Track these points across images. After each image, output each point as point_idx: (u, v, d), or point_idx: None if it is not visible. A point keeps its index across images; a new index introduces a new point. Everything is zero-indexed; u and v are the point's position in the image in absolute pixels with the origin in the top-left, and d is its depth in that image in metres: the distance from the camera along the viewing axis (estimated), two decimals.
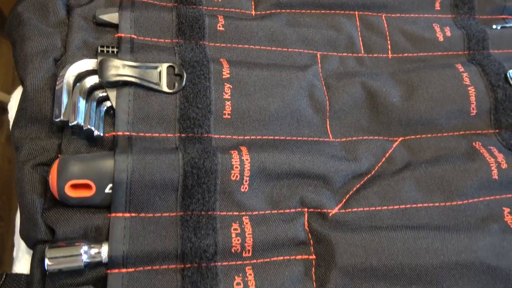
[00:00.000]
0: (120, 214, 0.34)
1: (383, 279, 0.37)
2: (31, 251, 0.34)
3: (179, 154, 0.36)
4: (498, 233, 0.39)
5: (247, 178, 0.38)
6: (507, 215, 0.41)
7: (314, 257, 0.38)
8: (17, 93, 0.44)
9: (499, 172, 0.41)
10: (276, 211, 0.39)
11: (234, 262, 0.36)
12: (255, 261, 0.36)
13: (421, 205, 0.41)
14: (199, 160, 0.36)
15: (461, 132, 0.45)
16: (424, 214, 0.40)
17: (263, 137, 0.41)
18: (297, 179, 0.39)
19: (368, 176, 0.42)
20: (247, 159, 0.38)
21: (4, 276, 0.35)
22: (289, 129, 0.42)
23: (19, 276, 0.35)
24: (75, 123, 0.35)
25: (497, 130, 0.45)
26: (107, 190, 0.34)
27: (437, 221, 0.40)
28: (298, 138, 0.42)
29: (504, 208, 0.42)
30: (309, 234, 0.38)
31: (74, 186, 0.34)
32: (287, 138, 0.42)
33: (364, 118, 0.45)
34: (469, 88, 0.46)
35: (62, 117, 0.35)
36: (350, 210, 0.39)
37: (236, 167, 0.37)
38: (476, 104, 0.45)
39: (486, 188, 0.41)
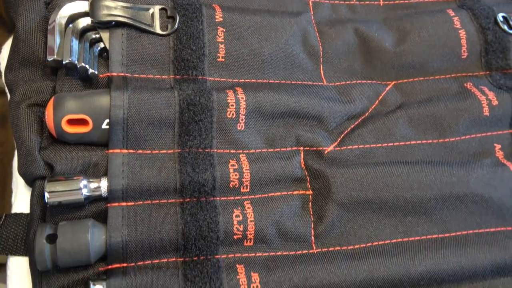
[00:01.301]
0: (118, 150, 0.34)
1: (379, 212, 0.38)
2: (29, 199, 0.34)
3: (174, 91, 0.36)
4: (489, 167, 0.40)
5: (243, 117, 0.38)
6: (498, 151, 0.42)
7: (311, 192, 0.38)
8: (8, 45, 0.43)
9: (490, 109, 0.42)
10: (272, 150, 0.39)
11: (232, 197, 0.36)
12: (253, 196, 0.37)
13: (414, 142, 0.41)
14: (194, 97, 0.36)
15: (452, 75, 0.46)
16: (417, 151, 0.41)
17: (258, 81, 0.41)
18: (292, 119, 0.40)
19: (362, 117, 0.42)
20: (242, 98, 0.38)
21: (3, 217, 0.35)
22: (283, 73, 0.42)
23: (19, 215, 0.35)
24: (68, 61, 0.35)
25: (487, 72, 0.46)
26: (104, 125, 0.34)
27: (431, 157, 0.41)
28: (293, 82, 0.42)
29: (495, 145, 0.42)
30: (306, 171, 0.39)
31: (71, 122, 0.34)
32: (282, 81, 0.42)
33: (357, 63, 0.45)
34: (460, 32, 0.46)
35: (55, 56, 0.35)
36: (345, 147, 0.40)
37: (232, 105, 0.37)
38: (467, 47, 0.46)
39: (478, 125, 0.42)
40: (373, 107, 0.43)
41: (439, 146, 0.41)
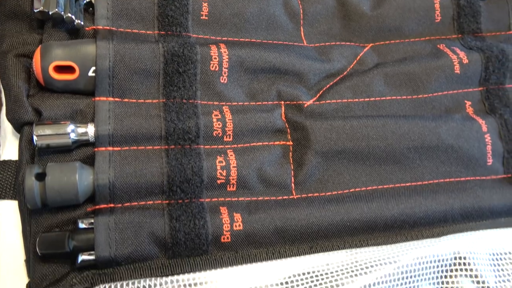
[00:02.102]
0: (104, 98, 0.36)
1: (355, 161, 0.40)
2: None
3: (159, 44, 0.38)
4: (459, 121, 0.42)
5: (226, 70, 0.39)
6: (468, 107, 0.45)
7: (291, 143, 0.40)
8: None
9: (461, 67, 0.44)
10: (254, 103, 0.41)
11: (216, 146, 0.38)
12: (235, 145, 0.38)
13: (389, 98, 0.43)
14: (178, 49, 0.38)
15: (427, 38, 0.48)
16: (392, 106, 0.43)
17: (240, 39, 0.43)
18: (273, 74, 0.41)
19: (341, 76, 0.44)
20: (225, 52, 0.39)
21: None
22: (265, 33, 0.44)
23: (7, 162, 0.36)
24: (55, 11, 0.36)
25: (459, 35, 0.48)
26: (90, 73, 0.35)
27: (404, 111, 0.43)
28: (274, 42, 0.44)
29: (466, 101, 0.45)
30: (286, 124, 0.40)
31: (58, 69, 0.35)
32: (263, 41, 0.43)
33: (336, 26, 0.47)
34: None
35: (42, 7, 0.36)
36: (323, 102, 0.42)
37: (215, 58, 0.39)
38: (440, 11, 0.48)
39: (450, 82, 0.44)
40: (351, 66, 0.45)
41: (413, 102, 0.44)
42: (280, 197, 0.38)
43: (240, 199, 0.37)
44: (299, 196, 0.38)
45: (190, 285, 0.29)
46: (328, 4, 0.47)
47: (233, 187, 0.37)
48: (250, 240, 0.35)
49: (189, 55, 0.38)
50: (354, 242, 0.36)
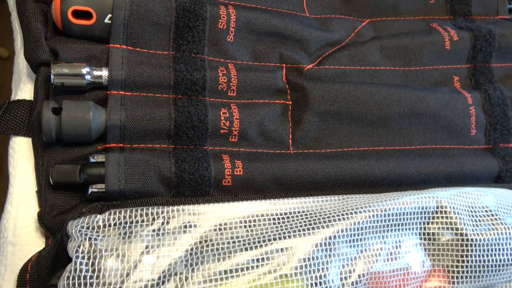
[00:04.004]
0: (118, 46, 0.38)
1: (349, 123, 0.42)
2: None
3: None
4: (447, 92, 0.45)
5: (233, 29, 0.42)
6: (456, 82, 0.48)
7: (290, 102, 0.42)
8: None
9: (451, 44, 0.47)
10: (258, 63, 0.43)
11: (220, 99, 0.40)
12: (239, 101, 0.41)
13: (384, 68, 0.46)
14: (190, 5, 0.40)
15: (421, 17, 0.51)
16: (385, 75, 0.46)
17: (247, 4, 0.45)
18: (277, 38, 0.44)
19: (340, 45, 0.47)
20: (233, 12, 0.42)
21: (6, 103, 0.38)
22: (271, 2, 0.46)
23: (22, 101, 0.38)
24: None
25: (451, 17, 0.51)
26: (107, 20, 0.37)
27: (397, 81, 0.46)
28: (278, 10, 0.46)
29: (454, 76, 0.48)
30: (287, 85, 0.43)
31: (76, 14, 0.36)
32: (268, 8, 0.46)
33: (336, 1, 0.50)
34: None
35: None
36: (322, 67, 0.44)
37: (223, 17, 0.41)
38: None
39: (440, 57, 0.47)
40: (349, 38, 0.48)
41: (405, 73, 0.47)
42: (278, 151, 0.41)
43: (241, 149, 0.40)
44: (296, 151, 0.41)
45: (192, 214, 0.31)
46: None
47: (235, 138, 0.39)
48: (249, 185, 0.38)
49: (199, 11, 0.40)
50: (345, 193, 0.39)
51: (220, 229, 0.32)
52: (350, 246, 0.32)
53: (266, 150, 0.40)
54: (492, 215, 0.35)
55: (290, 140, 0.41)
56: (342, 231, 0.32)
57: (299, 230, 0.31)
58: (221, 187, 0.37)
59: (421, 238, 0.34)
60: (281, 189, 0.38)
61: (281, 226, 0.32)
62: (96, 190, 0.34)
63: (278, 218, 0.33)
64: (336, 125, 0.42)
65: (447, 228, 0.34)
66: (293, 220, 0.32)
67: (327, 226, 0.32)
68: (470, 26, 0.49)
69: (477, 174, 0.44)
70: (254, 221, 0.33)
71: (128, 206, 0.34)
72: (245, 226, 0.33)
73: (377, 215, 0.33)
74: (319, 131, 0.42)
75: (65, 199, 0.34)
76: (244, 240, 0.32)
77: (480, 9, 0.52)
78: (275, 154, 0.40)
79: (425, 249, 0.34)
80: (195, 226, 0.30)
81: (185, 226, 0.30)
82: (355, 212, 0.32)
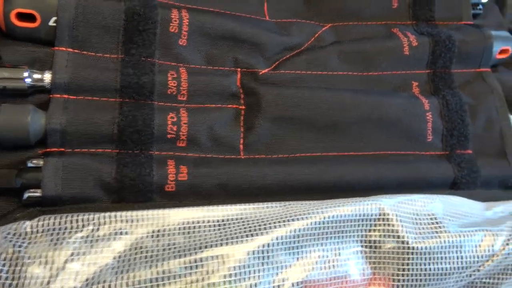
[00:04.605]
0: (64, 49, 0.37)
1: (303, 128, 0.42)
2: None
3: (121, 1, 0.39)
4: (405, 98, 0.45)
5: (186, 33, 0.41)
6: (415, 88, 0.47)
7: (244, 107, 0.42)
8: None
9: (410, 49, 0.47)
10: (211, 67, 0.43)
11: (169, 104, 0.40)
12: (189, 105, 0.40)
13: (341, 73, 0.46)
14: (140, 8, 0.39)
15: (383, 22, 0.51)
16: (344, 80, 0.46)
17: (201, 8, 0.44)
18: (232, 42, 0.43)
19: (298, 50, 0.46)
20: (185, 16, 0.41)
21: None
22: (229, 5, 0.46)
23: None
24: None
25: (414, 22, 0.51)
26: (51, 23, 0.37)
27: (355, 86, 0.46)
28: (236, 14, 0.46)
29: (413, 82, 0.48)
30: (241, 89, 0.42)
31: (20, 17, 0.36)
32: (225, 12, 0.45)
33: (299, 5, 0.49)
34: None
35: None
36: (278, 72, 0.44)
37: (175, 20, 0.41)
38: None
39: (399, 62, 0.47)
40: (309, 42, 0.47)
41: (363, 78, 0.46)
42: (228, 156, 0.40)
43: (189, 154, 0.39)
44: (247, 156, 0.41)
45: (125, 220, 0.31)
46: None
47: (183, 143, 0.39)
48: (194, 191, 0.37)
49: (150, 15, 0.40)
50: (294, 199, 0.39)
51: (157, 236, 0.32)
52: (287, 253, 0.32)
53: (216, 155, 0.40)
54: (437, 222, 0.35)
55: (241, 145, 0.41)
56: (279, 238, 0.31)
57: (237, 237, 0.31)
58: (164, 192, 0.36)
59: (362, 246, 0.34)
60: (228, 195, 0.38)
61: (220, 233, 0.32)
62: (32, 195, 0.33)
63: (215, 225, 0.32)
64: (289, 130, 0.42)
65: (389, 236, 0.34)
66: (229, 227, 0.32)
67: (264, 233, 0.31)
68: (431, 31, 0.49)
69: (432, 180, 0.43)
70: (194, 227, 0.33)
71: (65, 211, 0.33)
72: (183, 233, 0.32)
73: (316, 222, 0.32)
74: (271, 136, 0.41)
75: (1, 205, 0.34)
76: (180, 247, 0.31)
77: (443, 15, 0.51)
78: (225, 159, 0.40)
79: (366, 257, 0.34)
80: (126, 233, 0.30)
81: (116, 233, 0.30)
82: (294, 219, 0.32)
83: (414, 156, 0.44)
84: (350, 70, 0.46)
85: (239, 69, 0.43)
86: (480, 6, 0.53)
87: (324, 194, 0.40)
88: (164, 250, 0.31)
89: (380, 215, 0.34)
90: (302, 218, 0.32)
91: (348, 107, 0.43)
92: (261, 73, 0.43)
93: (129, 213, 0.31)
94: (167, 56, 0.41)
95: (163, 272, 0.29)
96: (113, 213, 0.31)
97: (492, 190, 0.45)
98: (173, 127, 0.38)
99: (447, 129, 0.45)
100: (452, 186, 0.44)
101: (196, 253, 0.30)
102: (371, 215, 0.34)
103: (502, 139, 0.46)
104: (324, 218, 0.33)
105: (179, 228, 0.32)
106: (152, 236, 0.31)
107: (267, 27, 0.46)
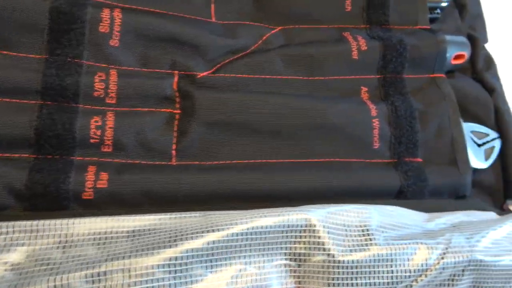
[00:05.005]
0: None
1: (241, 133, 0.40)
2: None
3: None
4: (350, 104, 0.43)
5: (118, 33, 0.39)
6: (363, 93, 0.46)
7: (179, 111, 0.40)
8: None
9: (358, 53, 0.45)
10: (146, 70, 0.41)
11: (97, 107, 0.38)
12: (119, 109, 0.38)
13: (286, 77, 0.44)
14: (67, 6, 0.38)
15: (336, 25, 0.49)
16: (288, 85, 0.44)
17: (144, 8, 0.43)
18: (171, 44, 0.42)
19: (244, 53, 0.45)
20: (118, 16, 0.39)
21: None
22: (171, 6, 0.44)
23: None
24: None
25: (367, 26, 0.49)
26: None
27: (300, 91, 0.44)
28: (178, 14, 0.44)
29: (362, 87, 0.46)
30: (177, 93, 0.41)
31: None
32: (169, 12, 0.44)
33: (248, 6, 0.48)
34: None
35: None
36: (218, 75, 0.42)
37: (106, 20, 0.39)
38: (351, 0, 0.49)
39: (347, 67, 0.45)
40: (256, 45, 0.46)
41: (309, 83, 0.44)
42: (158, 162, 0.38)
43: (115, 160, 0.37)
44: (179, 163, 0.39)
45: (26, 230, 0.28)
46: None
47: (109, 148, 0.37)
48: (115, 199, 0.35)
49: (77, 13, 0.38)
50: (224, 208, 0.37)
51: (63, 247, 0.30)
52: (203, 267, 0.30)
53: (144, 162, 0.38)
54: (368, 234, 0.33)
55: (174, 151, 0.39)
56: (194, 250, 0.29)
57: (147, 249, 0.29)
58: (81, 200, 0.34)
59: (287, 259, 0.32)
60: (153, 204, 0.36)
61: (131, 244, 0.30)
62: None
63: (126, 236, 0.30)
64: (225, 136, 0.40)
65: (316, 249, 0.32)
66: (142, 238, 0.30)
67: (179, 244, 0.29)
68: (383, 35, 0.47)
69: (377, 189, 0.41)
70: (105, 238, 0.31)
71: None
72: (92, 244, 0.30)
73: (235, 233, 0.30)
74: (206, 141, 0.40)
75: None
76: (89, 259, 0.29)
77: (398, 19, 0.50)
78: (154, 165, 0.38)
79: (291, 270, 0.32)
80: (23, 244, 0.28)
81: (12, 244, 0.28)
82: (213, 230, 0.30)
83: (359, 163, 0.42)
84: (296, 74, 0.44)
85: (176, 72, 0.41)
86: (438, 10, 0.52)
87: (261, 202, 0.38)
88: (68, 262, 0.29)
89: (306, 226, 0.32)
90: (222, 229, 0.30)
91: (291, 112, 0.41)
92: (199, 76, 0.42)
93: (29, 222, 0.29)
94: (97, 57, 0.39)
95: (62, 286, 0.27)
96: (12, 223, 0.29)
97: (443, 199, 0.43)
98: (96, 131, 0.36)
99: (395, 136, 0.44)
100: (399, 195, 0.42)
101: (100, 266, 0.28)
102: (297, 226, 0.32)
103: (453, 147, 0.45)
104: (247, 229, 0.31)
105: (89, 239, 0.30)
106: (58, 248, 0.29)
107: (211, 29, 0.44)
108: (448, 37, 0.48)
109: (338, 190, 0.40)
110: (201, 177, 0.37)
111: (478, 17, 0.55)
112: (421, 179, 0.42)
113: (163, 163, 0.38)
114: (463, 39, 0.49)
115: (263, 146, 0.40)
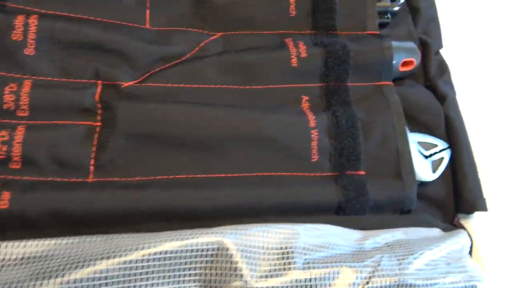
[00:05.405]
0: None
1: (165, 147, 0.38)
2: None
3: None
4: (287, 114, 0.41)
5: (33, 41, 0.37)
6: (304, 102, 0.43)
7: (99, 124, 0.38)
8: None
9: (298, 61, 0.43)
10: (65, 80, 0.38)
11: (6, 120, 0.35)
12: (32, 122, 0.36)
13: (220, 86, 0.42)
14: None
15: (280, 31, 0.47)
16: (222, 94, 0.41)
17: (65, 14, 0.40)
18: (95, 51, 0.39)
19: (177, 61, 0.42)
20: (33, 23, 0.37)
21: None
22: (101, 11, 0.41)
23: None
24: None
25: (313, 31, 0.47)
26: None
27: (236, 101, 0.41)
28: (108, 20, 0.42)
29: (303, 96, 0.43)
30: (99, 104, 0.38)
31: None
32: (98, 19, 0.41)
33: (186, 12, 0.45)
34: None
35: None
36: (144, 84, 0.40)
37: (19, 27, 0.36)
38: (295, 5, 0.47)
39: (287, 75, 0.43)
40: (192, 53, 0.43)
41: (245, 92, 0.42)
42: (73, 179, 0.36)
43: (24, 178, 0.34)
44: (97, 179, 0.36)
45: None
46: None
47: (17, 165, 0.34)
48: (20, 221, 0.32)
49: None
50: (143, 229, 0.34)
51: None
52: None
53: (57, 179, 0.35)
54: (288, 258, 0.30)
55: (92, 167, 0.36)
56: (83, 280, 0.26)
57: (30, 279, 0.26)
58: None
59: (199, 286, 0.29)
60: (64, 225, 0.33)
61: (17, 273, 0.27)
62: None
63: (14, 264, 0.27)
64: (147, 150, 0.37)
65: (230, 275, 0.29)
66: (27, 266, 0.27)
67: (66, 274, 0.27)
68: (326, 42, 0.45)
69: (314, 205, 0.38)
70: None
71: None
72: None
73: (134, 260, 0.28)
74: (128, 156, 0.37)
75: None
76: None
77: (345, 24, 0.47)
78: (68, 183, 0.35)
79: None
80: None
81: None
82: (107, 257, 0.27)
83: (294, 178, 0.40)
84: (231, 83, 0.42)
85: (100, 82, 0.39)
86: (388, 15, 0.50)
87: (185, 222, 0.35)
88: None
89: (218, 249, 0.29)
90: (119, 255, 0.27)
91: (220, 124, 0.39)
92: (124, 86, 0.39)
93: None
94: (9, 66, 0.36)
95: None
96: None
97: (387, 215, 0.41)
98: (2, 147, 0.34)
99: (336, 148, 0.41)
100: (338, 211, 0.39)
101: None
102: (207, 250, 0.29)
103: (398, 158, 0.42)
104: (148, 254, 0.28)
105: None
106: None
107: (142, 36, 0.42)
108: (395, 43, 0.46)
109: (270, 207, 0.37)
110: (118, 196, 0.35)
111: (433, 21, 0.52)
112: (362, 193, 0.39)
113: (79, 180, 0.36)
114: (411, 44, 0.47)
115: (189, 160, 0.38)
